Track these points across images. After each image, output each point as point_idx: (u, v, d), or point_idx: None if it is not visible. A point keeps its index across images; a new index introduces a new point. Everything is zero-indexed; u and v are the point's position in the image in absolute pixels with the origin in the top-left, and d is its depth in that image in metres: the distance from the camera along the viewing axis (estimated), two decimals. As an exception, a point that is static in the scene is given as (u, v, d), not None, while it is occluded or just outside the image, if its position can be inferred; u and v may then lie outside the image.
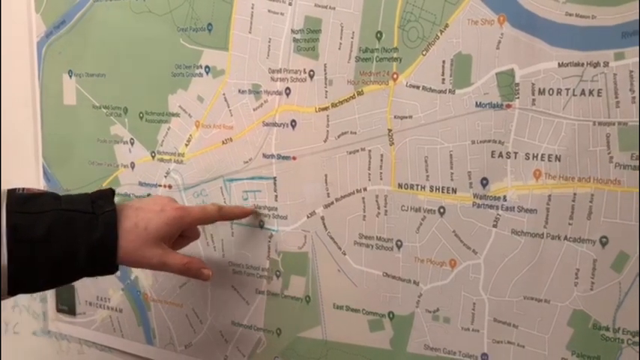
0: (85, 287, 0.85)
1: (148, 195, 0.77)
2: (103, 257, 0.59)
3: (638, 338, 0.51)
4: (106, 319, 0.84)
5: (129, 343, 0.82)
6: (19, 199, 0.58)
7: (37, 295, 0.92)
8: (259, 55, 0.67)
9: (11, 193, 0.59)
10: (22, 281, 0.58)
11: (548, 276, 0.54)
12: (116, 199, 0.62)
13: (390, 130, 0.60)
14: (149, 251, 0.61)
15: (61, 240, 0.58)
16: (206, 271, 0.65)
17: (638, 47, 0.49)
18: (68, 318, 0.88)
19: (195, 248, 0.74)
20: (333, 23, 0.62)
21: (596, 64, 0.50)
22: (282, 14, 0.65)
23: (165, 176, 0.76)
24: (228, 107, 0.70)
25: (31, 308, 0.93)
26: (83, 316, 0.86)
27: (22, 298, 0.94)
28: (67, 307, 0.88)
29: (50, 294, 0.89)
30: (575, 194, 0.52)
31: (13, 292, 0.58)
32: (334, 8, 0.62)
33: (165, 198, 0.66)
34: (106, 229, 0.59)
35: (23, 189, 0.60)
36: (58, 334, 0.90)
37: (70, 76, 0.82)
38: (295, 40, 0.64)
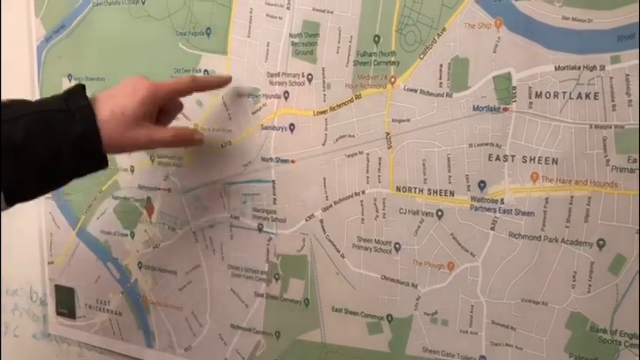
0: (85, 290, 0.86)
1: (148, 198, 0.78)
2: (87, 151, 0.59)
3: (635, 340, 0.51)
4: (106, 322, 0.84)
5: (128, 346, 0.82)
6: None
7: (38, 299, 0.92)
8: (258, 59, 0.67)
9: None
10: (13, 190, 0.58)
11: (545, 278, 0.54)
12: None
13: (388, 134, 0.60)
14: (134, 133, 0.61)
15: (41, 142, 0.58)
16: (197, 136, 0.66)
17: (633, 50, 0.49)
18: (68, 321, 0.88)
19: (194, 251, 0.74)
20: (331, 27, 0.62)
21: (593, 68, 0.50)
22: (280, 18, 0.65)
23: (165, 179, 0.76)
24: (227, 111, 0.70)
25: (31, 311, 0.93)
26: (83, 319, 0.87)
27: (22, 301, 0.94)
28: (67, 310, 0.88)
29: (50, 297, 0.90)
30: (572, 197, 0.52)
31: (9, 202, 0.59)
32: (332, 12, 0.62)
33: (134, 78, 0.65)
34: (85, 122, 0.59)
35: None
36: (58, 337, 0.90)
37: (70, 80, 0.82)
38: (293, 44, 0.65)
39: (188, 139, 0.66)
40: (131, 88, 0.62)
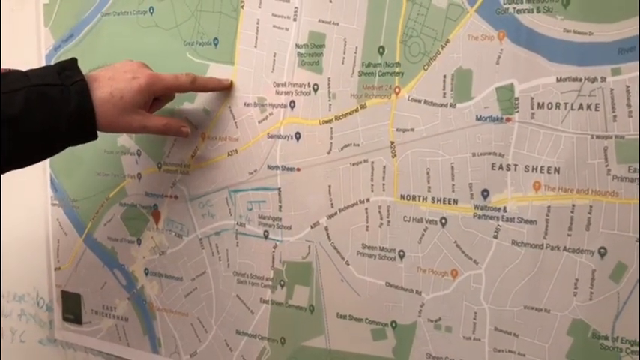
0: (92, 296, 0.86)
1: (155, 205, 0.79)
2: (82, 125, 0.62)
3: (636, 347, 0.52)
4: (112, 328, 0.85)
5: (134, 351, 0.83)
6: None
7: (44, 304, 0.93)
8: (264, 69, 0.68)
9: None
10: (8, 159, 0.61)
11: (548, 286, 0.55)
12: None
13: (392, 143, 0.61)
14: (129, 117, 0.65)
15: (38, 114, 0.61)
16: (184, 129, 0.70)
17: (633, 63, 0.50)
18: (74, 327, 0.89)
19: (200, 257, 0.75)
20: (336, 38, 0.63)
21: (594, 79, 0.51)
22: (286, 29, 0.66)
23: (172, 187, 0.77)
24: (234, 119, 0.71)
25: (37, 317, 0.94)
26: (89, 325, 0.87)
27: (29, 307, 0.95)
28: (73, 315, 0.89)
29: (57, 303, 0.90)
30: (573, 206, 0.53)
31: (1, 170, 0.62)
32: (338, 24, 0.63)
33: (134, 63, 0.68)
34: (80, 98, 0.62)
35: None
36: (64, 342, 0.91)
37: (78, 89, 0.83)
38: (300, 55, 0.66)
39: (176, 131, 0.70)
40: (131, 74, 0.65)
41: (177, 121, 0.70)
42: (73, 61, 0.65)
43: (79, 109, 0.62)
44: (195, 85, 0.69)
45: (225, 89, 0.70)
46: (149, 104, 0.68)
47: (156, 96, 0.68)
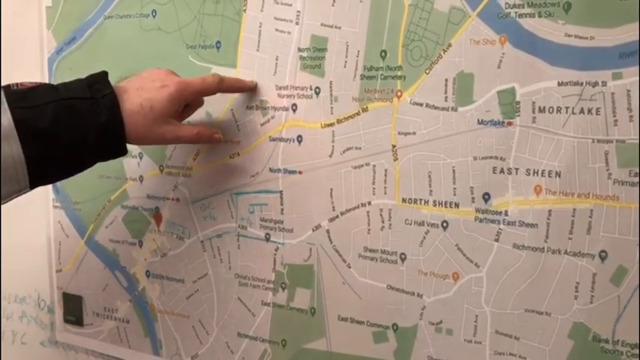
0: (93, 298, 0.86)
1: (156, 208, 0.79)
2: (111, 140, 0.61)
3: (637, 350, 0.52)
4: (113, 330, 0.85)
5: (136, 353, 0.83)
6: (17, 95, 0.59)
7: (45, 306, 0.93)
8: (267, 73, 0.69)
9: (6, 90, 0.60)
10: (38, 173, 0.60)
11: (548, 289, 0.55)
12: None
13: (394, 146, 0.62)
14: (161, 129, 0.63)
15: (68, 129, 0.59)
16: (217, 135, 0.69)
17: (634, 67, 0.50)
18: (76, 329, 0.89)
19: (202, 260, 0.75)
20: (338, 42, 0.64)
21: (595, 84, 0.52)
22: (289, 33, 0.67)
23: (173, 189, 0.77)
24: (236, 122, 0.71)
25: (38, 319, 0.94)
26: (90, 327, 0.87)
27: (30, 309, 0.95)
28: (74, 317, 0.89)
29: (58, 305, 0.90)
30: (574, 209, 0.53)
31: (32, 184, 0.60)
32: (340, 28, 0.63)
33: (162, 72, 0.66)
34: (110, 112, 0.61)
35: (17, 84, 0.61)
36: (66, 344, 0.91)
37: (80, 91, 0.83)
38: (302, 58, 0.66)
39: (208, 139, 0.69)
40: (160, 83, 0.64)
41: (208, 129, 0.69)
42: (104, 75, 0.64)
43: (108, 122, 0.60)
44: (223, 87, 0.68)
45: (250, 90, 0.69)
46: (180, 112, 0.67)
47: (186, 102, 0.67)
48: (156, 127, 0.63)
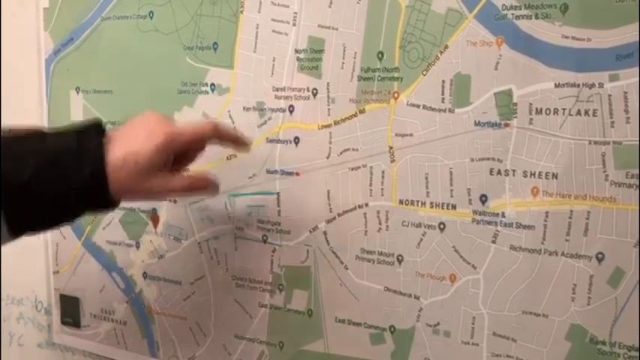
0: (90, 300, 0.86)
1: (154, 209, 0.79)
2: (94, 195, 0.57)
3: (634, 352, 0.52)
4: (111, 332, 0.85)
5: (133, 355, 0.83)
6: (7, 142, 0.56)
7: (42, 308, 0.93)
8: (264, 74, 0.68)
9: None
10: (19, 224, 0.57)
11: (546, 291, 0.55)
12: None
13: (391, 148, 0.62)
14: (148, 183, 0.57)
15: (47, 181, 0.55)
16: (212, 186, 0.63)
17: (631, 69, 0.50)
18: (73, 330, 0.89)
19: (199, 261, 0.75)
20: (335, 43, 0.64)
21: (592, 85, 0.52)
22: (286, 34, 0.66)
23: (171, 191, 0.77)
24: (233, 124, 0.71)
25: (36, 320, 0.94)
26: (88, 329, 0.87)
27: (27, 311, 0.95)
28: (71, 319, 0.89)
29: (55, 307, 0.90)
30: (571, 211, 0.53)
31: (16, 234, 0.57)
32: (337, 29, 0.63)
33: (153, 117, 0.60)
34: (93, 167, 0.56)
35: (9, 130, 0.58)
36: (63, 346, 0.91)
37: (78, 93, 0.83)
38: (299, 60, 0.66)
39: (202, 192, 0.63)
40: (147, 131, 0.58)
41: (202, 178, 0.62)
42: (96, 123, 0.59)
43: (91, 176, 0.56)
44: (218, 133, 0.62)
45: (244, 144, 0.66)
46: (170, 163, 0.60)
47: (177, 152, 0.60)
48: (142, 181, 0.57)
